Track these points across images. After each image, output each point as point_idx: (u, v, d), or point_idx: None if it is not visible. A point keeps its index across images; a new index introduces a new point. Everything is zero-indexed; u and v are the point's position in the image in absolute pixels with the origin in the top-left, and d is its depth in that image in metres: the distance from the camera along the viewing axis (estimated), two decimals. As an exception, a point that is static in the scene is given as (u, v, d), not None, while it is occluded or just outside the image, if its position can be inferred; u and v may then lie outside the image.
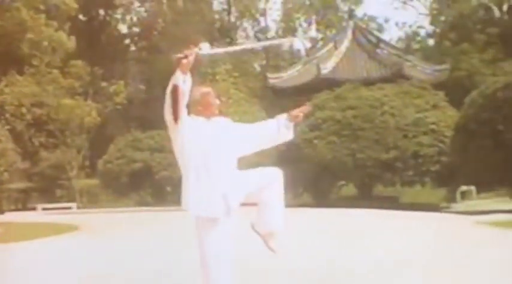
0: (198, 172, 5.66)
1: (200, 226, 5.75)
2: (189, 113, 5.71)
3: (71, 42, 40.76)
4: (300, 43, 66.05)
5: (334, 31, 60.44)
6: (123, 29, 53.86)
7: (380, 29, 67.81)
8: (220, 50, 6.70)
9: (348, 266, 9.34)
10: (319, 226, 17.90)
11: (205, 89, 5.89)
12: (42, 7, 40.69)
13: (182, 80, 5.45)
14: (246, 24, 68.46)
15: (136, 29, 53.32)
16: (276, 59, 66.41)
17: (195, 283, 7.63)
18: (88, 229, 18.52)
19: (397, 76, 37.46)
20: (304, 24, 68.79)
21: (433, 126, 29.50)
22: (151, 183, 33.25)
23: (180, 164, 5.87)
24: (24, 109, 37.30)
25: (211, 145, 5.69)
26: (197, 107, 5.78)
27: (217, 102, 5.89)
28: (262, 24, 68.62)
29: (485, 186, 29.31)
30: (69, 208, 33.44)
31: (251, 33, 68.79)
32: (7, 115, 36.90)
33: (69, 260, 11.49)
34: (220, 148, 5.70)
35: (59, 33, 40.63)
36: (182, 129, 5.70)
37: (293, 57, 65.12)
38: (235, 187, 5.76)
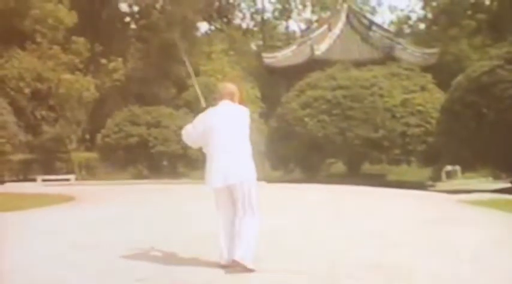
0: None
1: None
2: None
3: (71, 17, 41.32)
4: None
5: (328, 13, 61.15)
6: (124, 7, 54.32)
7: (373, 12, 68.61)
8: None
9: (330, 242, 9.43)
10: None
11: (231, 87, 7.72)
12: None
13: None
14: (243, 4, 69.13)
15: (136, 8, 53.78)
16: (272, 39, 67.04)
17: (180, 250, 8.61)
18: (83, 199, 18.80)
19: (388, 59, 38.17)
20: (300, 6, 69.48)
21: (420, 107, 29.96)
22: (148, 156, 33.69)
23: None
24: (23, 84, 37.89)
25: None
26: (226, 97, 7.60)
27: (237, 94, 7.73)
28: (259, 5, 69.34)
29: (469, 166, 29.44)
30: (68, 179, 33.87)
31: (248, 14, 69.46)
32: (8, 89, 37.48)
33: (62, 229, 11.74)
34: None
35: (58, 6, 41.18)
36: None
37: (288, 38, 65.73)
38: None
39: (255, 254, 7.15)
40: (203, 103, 7.96)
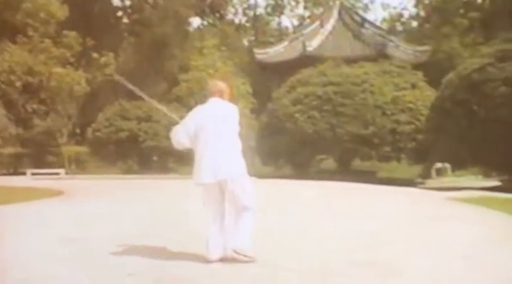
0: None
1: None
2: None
3: (63, 11, 41.20)
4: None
5: (321, 9, 61.16)
6: (116, 1, 54.13)
7: (365, 9, 68.59)
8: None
9: (321, 238, 9.43)
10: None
11: (220, 85, 7.80)
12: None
13: None
14: (236, 0, 69.01)
15: (128, 2, 53.61)
16: (264, 35, 67.00)
17: (171, 244, 8.71)
18: (73, 194, 18.91)
19: (380, 56, 38.14)
20: (292, 2, 69.43)
21: (410, 105, 29.94)
22: (138, 151, 33.68)
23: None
24: (14, 77, 37.84)
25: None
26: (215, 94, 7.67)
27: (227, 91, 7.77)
28: (251, 1, 69.24)
29: (459, 164, 29.50)
30: (57, 173, 33.70)
31: (240, 9, 69.36)
32: (-1, 82, 37.53)
33: (51, 223, 11.74)
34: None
35: (50, 0, 41.07)
36: None
37: (281, 34, 65.69)
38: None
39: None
40: (177, 119, 7.99)
